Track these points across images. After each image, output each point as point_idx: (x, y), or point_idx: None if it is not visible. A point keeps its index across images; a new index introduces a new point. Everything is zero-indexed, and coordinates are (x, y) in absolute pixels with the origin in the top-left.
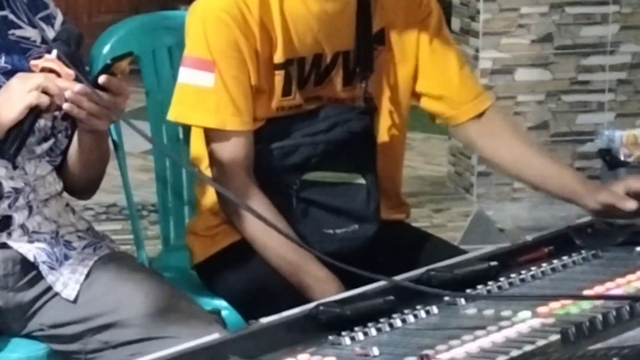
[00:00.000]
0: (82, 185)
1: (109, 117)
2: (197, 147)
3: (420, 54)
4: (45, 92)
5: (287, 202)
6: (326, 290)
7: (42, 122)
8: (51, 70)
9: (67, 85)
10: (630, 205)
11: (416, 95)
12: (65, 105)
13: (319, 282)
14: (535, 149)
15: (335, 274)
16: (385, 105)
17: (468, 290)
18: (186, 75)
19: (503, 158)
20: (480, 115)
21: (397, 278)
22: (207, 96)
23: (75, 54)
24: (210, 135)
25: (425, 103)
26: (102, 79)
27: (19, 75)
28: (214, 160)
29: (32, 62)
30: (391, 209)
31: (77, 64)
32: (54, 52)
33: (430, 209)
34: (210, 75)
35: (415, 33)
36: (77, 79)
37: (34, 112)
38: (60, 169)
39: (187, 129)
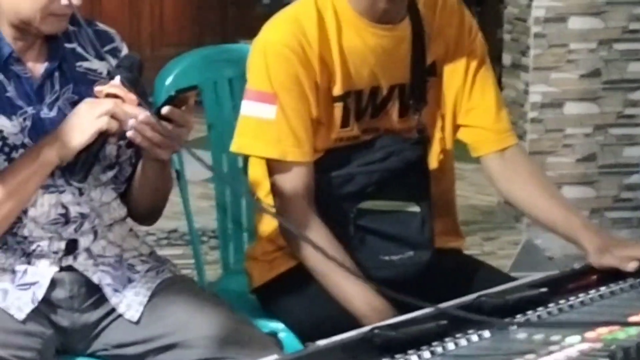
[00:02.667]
0: (145, 211)
1: (171, 147)
2: (255, 175)
3: (462, 82)
4: (113, 117)
5: (345, 230)
6: (382, 319)
7: (108, 150)
8: (115, 96)
9: (134, 111)
10: (632, 265)
11: (456, 126)
12: (129, 133)
13: (375, 311)
14: (547, 192)
15: (390, 302)
16: (436, 134)
17: (518, 316)
18: (248, 108)
19: (516, 196)
20: (503, 150)
21: (447, 304)
22: (268, 128)
23: (138, 80)
24: (272, 166)
25: (460, 131)
26: (165, 109)
27: (87, 101)
28: (275, 190)
29: (97, 88)
30: (446, 237)
31: (140, 89)
32: (117, 78)
33: (481, 237)
34: (272, 107)
35: (462, 62)
36: (140, 104)
37: (103, 136)
38: (125, 196)
39: (246, 158)
